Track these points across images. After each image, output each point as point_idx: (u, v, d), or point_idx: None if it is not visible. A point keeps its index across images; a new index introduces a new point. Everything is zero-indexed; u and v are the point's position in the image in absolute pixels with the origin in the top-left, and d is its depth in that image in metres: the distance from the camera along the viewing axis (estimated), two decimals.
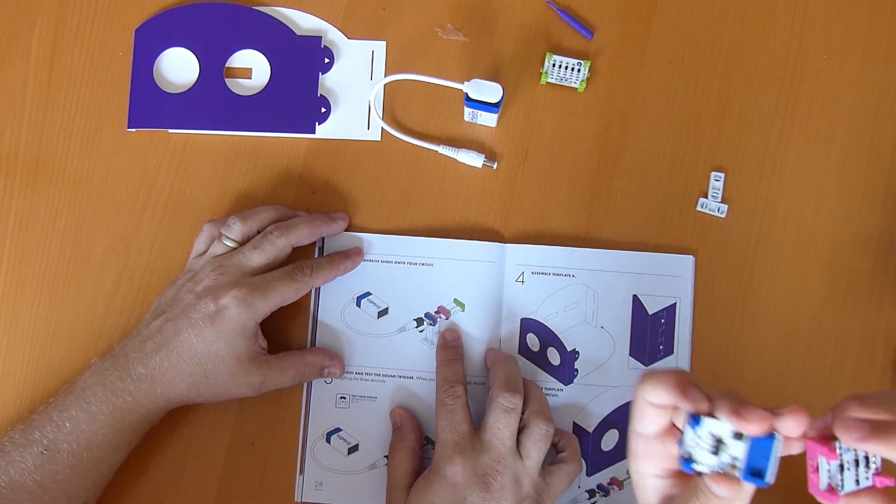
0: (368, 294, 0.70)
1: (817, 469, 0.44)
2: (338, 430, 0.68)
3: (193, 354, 0.62)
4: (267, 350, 0.66)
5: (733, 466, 0.44)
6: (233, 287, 0.62)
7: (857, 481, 0.44)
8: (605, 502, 0.67)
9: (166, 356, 0.62)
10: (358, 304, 0.69)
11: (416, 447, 0.66)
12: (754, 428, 0.43)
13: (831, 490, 0.44)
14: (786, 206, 0.71)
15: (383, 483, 0.67)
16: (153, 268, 0.71)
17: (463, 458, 0.61)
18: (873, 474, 0.44)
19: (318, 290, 0.70)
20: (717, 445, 0.44)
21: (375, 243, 0.71)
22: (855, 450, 0.43)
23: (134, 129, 0.72)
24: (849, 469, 0.44)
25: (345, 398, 0.69)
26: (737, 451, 0.44)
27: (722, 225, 0.71)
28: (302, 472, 0.68)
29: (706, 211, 0.71)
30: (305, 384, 0.69)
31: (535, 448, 0.62)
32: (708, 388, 0.46)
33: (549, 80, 0.72)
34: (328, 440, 0.68)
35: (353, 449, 0.68)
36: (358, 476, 0.68)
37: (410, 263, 0.70)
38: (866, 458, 0.44)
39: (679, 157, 0.72)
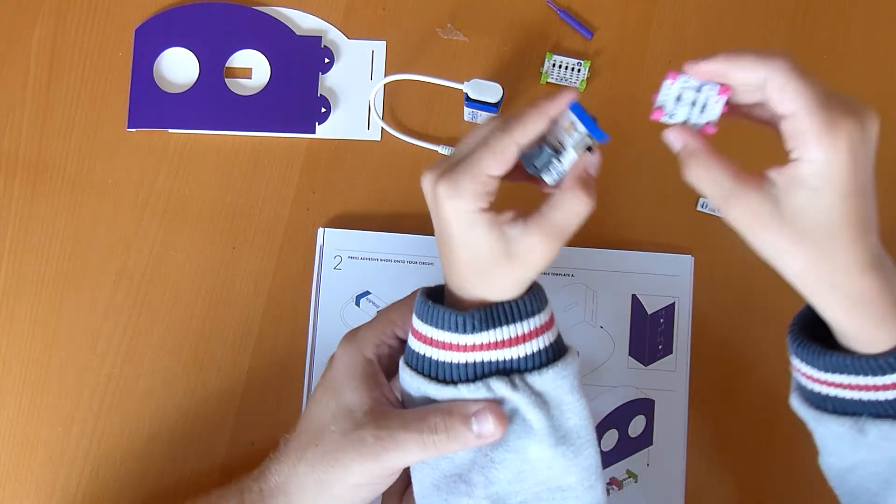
0: (368, 293, 0.70)
1: None
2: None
3: (308, 421, 0.52)
4: (396, 403, 0.52)
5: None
6: (349, 331, 0.55)
7: (688, 121, 0.47)
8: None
9: (295, 437, 0.53)
10: (357, 304, 0.70)
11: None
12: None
13: (659, 110, 0.48)
14: None
15: None
16: (153, 268, 0.71)
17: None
18: (705, 123, 0.46)
19: (317, 290, 0.70)
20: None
21: (375, 242, 0.70)
22: (697, 91, 0.46)
23: (134, 129, 0.72)
24: (684, 105, 0.47)
25: None
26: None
27: (722, 225, 0.71)
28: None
29: (706, 211, 0.71)
30: (306, 382, 0.68)
31: None
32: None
33: (549, 80, 0.72)
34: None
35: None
36: None
37: (410, 262, 0.70)
38: (705, 106, 0.46)
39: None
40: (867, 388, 0.46)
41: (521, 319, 0.47)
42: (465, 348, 0.46)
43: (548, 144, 0.48)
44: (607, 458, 0.68)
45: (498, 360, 0.47)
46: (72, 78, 0.73)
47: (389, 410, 0.50)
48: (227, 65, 0.73)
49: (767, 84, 0.43)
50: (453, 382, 0.47)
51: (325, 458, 0.49)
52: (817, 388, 0.49)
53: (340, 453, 0.49)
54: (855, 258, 0.43)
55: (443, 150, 0.71)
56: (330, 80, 0.73)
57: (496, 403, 0.47)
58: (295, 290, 0.70)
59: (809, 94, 0.42)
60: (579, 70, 0.72)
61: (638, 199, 0.71)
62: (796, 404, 0.52)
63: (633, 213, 0.71)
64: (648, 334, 0.69)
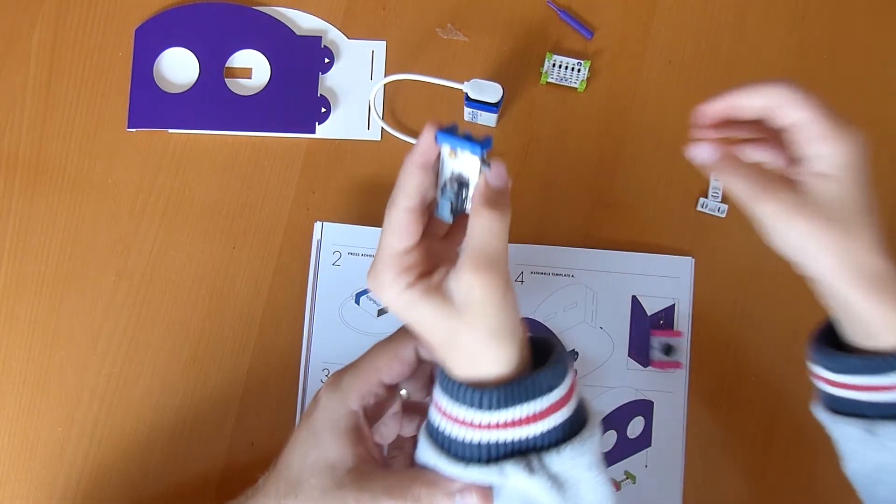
0: (368, 291, 0.69)
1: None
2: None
3: (286, 468, 0.50)
4: (382, 463, 0.51)
5: None
6: (332, 376, 0.52)
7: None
8: None
9: (273, 479, 0.51)
10: (357, 302, 0.69)
11: None
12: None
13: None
14: None
15: None
16: (153, 268, 0.71)
17: None
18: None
19: (314, 286, 0.70)
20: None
21: (377, 238, 0.70)
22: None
23: (134, 129, 0.72)
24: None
25: None
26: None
27: (722, 225, 0.71)
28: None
29: (706, 211, 0.71)
30: (301, 383, 0.68)
31: None
32: None
33: (549, 80, 0.72)
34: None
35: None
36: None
37: None
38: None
39: (679, 157, 0.71)
40: (877, 388, 0.48)
41: (541, 394, 0.44)
42: (480, 426, 0.44)
43: (449, 183, 0.46)
44: (606, 460, 0.67)
45: (514, 440, 0.44)
46: (72, 78, 0.73)
47: (373, 470, 0.48)
48: (227, 65, 0.73)
49: (774, 102, 0.47)
50: (464, 461, 0.45)
51: None
52: (833, 390, 0.51)
53: None
54: (875, 238, 0.47)
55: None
56: (330, 80, 0.73)
57: (475, 488, 0.45)
58: (295, 290, 0.70)
59: (816, 103, 0.46)
60: (579, 70, 0.71)
61: (638, 199, 0.71)
62: (816, 410, 0.53)
63: (634, 214, 0.71)
64: (648, 335, 0.69)
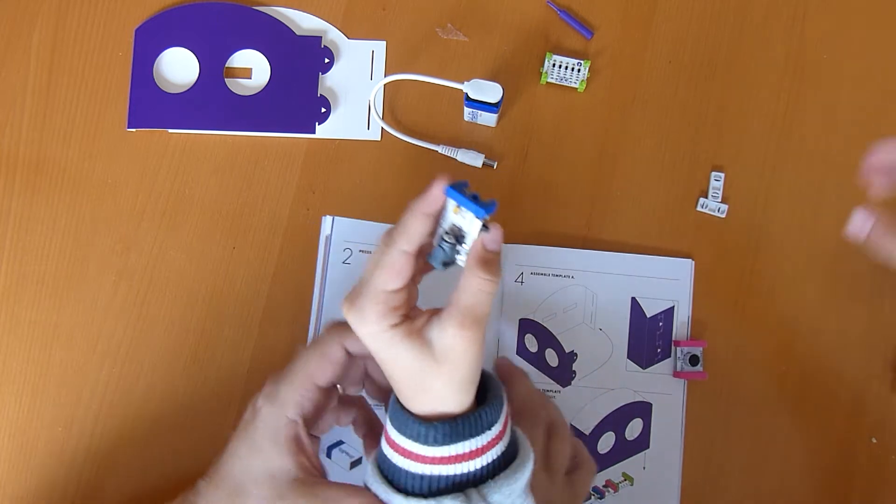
0: None
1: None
2: (340, 442, 0.67)
3: (225, 477, 0.51)
4: (321, 471, 0.52)
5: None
6: (269, 383, 0.53)
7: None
8: None
9: (206, 478, 0.52)
10: None
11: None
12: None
13: None
14: (786, 206, 0.71)
15: None
16: (153, 268, 0.71)
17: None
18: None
19: (322, 289, 0.69)
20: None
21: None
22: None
23: (134, 129, 0.72)
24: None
25: None
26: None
27: (722, 225, 0.71)
28: None
29: (706, 211, 0.71)
30: None
31: (561, 464, 0.58)
32: None
33: (549, 80, 0.72)
34: (329, 454, 0.67)
35: (356, 463, 0.67)
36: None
37: None
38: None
39: (679, 157, 0.72)
40: None
41: (483, 431, 0.47)
42: (425, 459, 0.46)
43: (447, 235, 0.47)
44: (604, 461, 0.68)
45: (455, 474, 0.46)
46: (72, 78, 0.73)
47: (314, 481, 0.50)
48: (227, 65, 0.73)
49: None
50: (405, 493, 0.47)
51: None
52: None
53: None
54: None
55: (443, 150, 0.71)
56: (330, 80, 0.73)
57: None
58: (296, 290, 0.70)
59: None
60: (579, 70, 0.71)
61: (638, 200, 0.71)
62: None
63: (634, 215, 0.71)
64: (647, 337, 0.69)
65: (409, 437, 0.46)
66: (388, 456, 0.48)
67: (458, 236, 0.47)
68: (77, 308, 0.70)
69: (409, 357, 0.46)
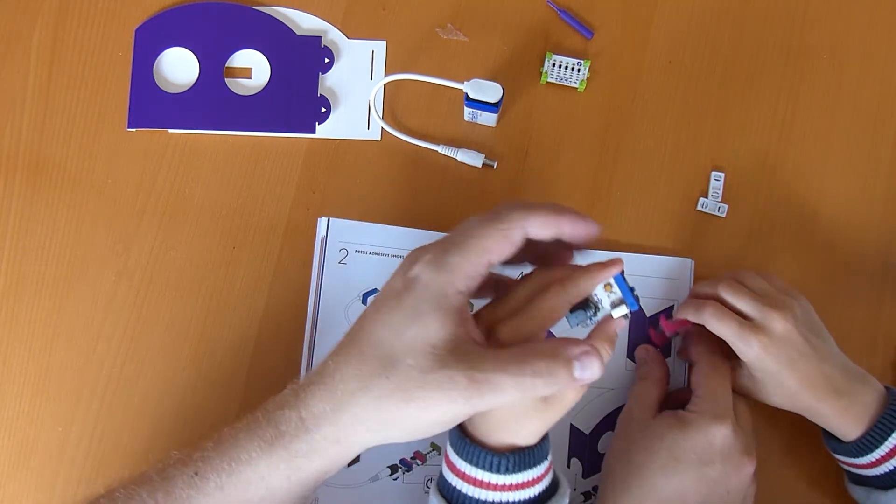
0: (376, 290, 0.69)
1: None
2: None
3: (374, 345, 0.46)
4: (481, 341, 0.48)
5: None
6: (426, 253, 0.48)
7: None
8: None
9: (345, 355, 0.47)
10: (364, 302, 0.69)
11: (665, 379, 0.66)
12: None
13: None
14: (786, 206, 0.71)
15: (386, 497, 0.65)
16: (153, 268, 0.71)
17: (732, 428, 0.59)
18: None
19: (318, 286, 0.69)
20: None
21: (386, 235, 0.70)
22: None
23: (134, 129, 0.72)
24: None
25: None
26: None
27: (722, 225, 0.71)
28: None
29: (706, 211, 0.71)
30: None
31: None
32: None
33: (549, 80, 0.72)
34: None
35: (353, 461, 0.65)
36: (358, 490, 0.66)
37: None
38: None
39: (679, 157, 0.72)
40: (862, 465, 0.62)
41: (541, 461, 0.52)
42: (495, 487, 0.50)
43: (592, 305, 0.52)
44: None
45: (518, 500, 0.51)
46: (72, 78, 0.73)
47: (476, 350, 0.45)
48: (227, 65, 0.73)
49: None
50: None
51: (396, 393, 0.44)
52: (847, 468, 0.64)
53: (421, 391, 0.44)
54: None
55: (443, 150, 0.71)
56: (330, 80, 0.73)
57: (596, 347, 0.46)
58: (296, 290, 0.70)
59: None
60: (579, 70, 0.71)
61: (638, 199, 0.71)
62: (845, 477, 0.66)
63: (634, 214, 0.71)
64: (647, 337, 0.69)
65: (481, 467, 0.50)
66: (455, 485, 0.51)
67: (596, 308, 0.51)
68: (77, 308, 0.70)
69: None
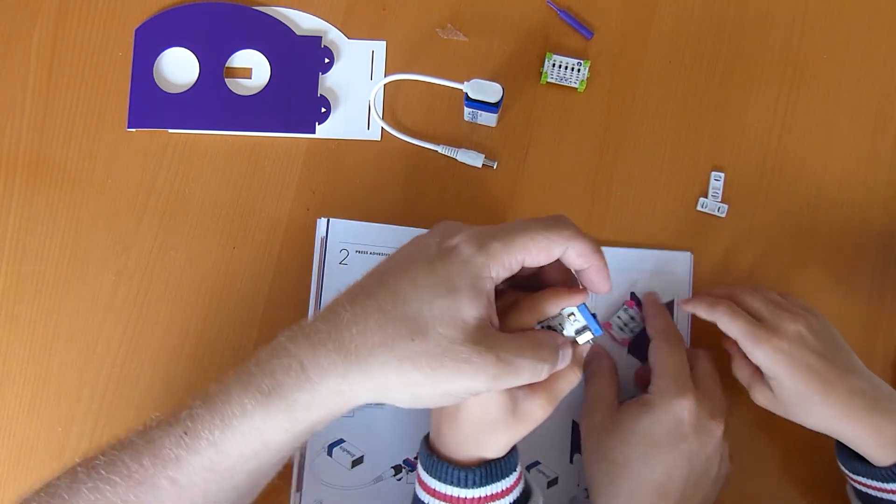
0: None
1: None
2: (341, 441, 0.66)
3: (399, 304, 0.45)
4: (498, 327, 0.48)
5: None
6: (464, 228, 0.48)
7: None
8: None
9: (363, 308, 0.45)
10: None
11: (613, 369, 0.66)
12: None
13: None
14: (785, 205, 0.71)
15: (390, 498, 0.65)
16: (153, 268, 0.71)
17: (695, 398, 0.60)
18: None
19: (319, 287, 0.69)
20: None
21: (387, 235, 0.70)
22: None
23: (134, 129, 0.72)
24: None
25: None
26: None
27: (722, 225, 0.71)
28: (299, 489, 0.66)
29: (706, 211, 0.71)
30: None
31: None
32: None
33: (549, 80, 0.72)
34: (329, 453, 0.66)
35: (357, 461, 0.66)
36: (362, 491, 0.66)
37: None
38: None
39: (679, 157, 0.72)
40: (889, 491, 0.58)
41: (511, 472, 0.54)
42: (465, 501, 0.53)
43: (556, 319, 0.52)
44: None
45: None
46: (72, 78, 0.73)
47: (497, 334, 0.46)
48: (227, 65, 0.73)
49: None
50: None
51: (422, 358, 0.43)
52: (857, 486, 0.61)
53: (446, 360, 0.43)
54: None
55: (443, 150, 0.71)
56: (330, 80, 0.73)
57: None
58: (296, 291, 0.70)
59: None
60: (579, 70, 0.71)
61: (638, 200, 0.71)
62: (848, 490, 0.64)
63: (634, 214, 0.71)
64: (646, 333, 0.69)
65: (450, 482, 0.53)
66: (427, 502, 0.54)
67: (559, 332, 0.52)
68: (77, 308, 0.70)
69: (494, 404, 0.50)
